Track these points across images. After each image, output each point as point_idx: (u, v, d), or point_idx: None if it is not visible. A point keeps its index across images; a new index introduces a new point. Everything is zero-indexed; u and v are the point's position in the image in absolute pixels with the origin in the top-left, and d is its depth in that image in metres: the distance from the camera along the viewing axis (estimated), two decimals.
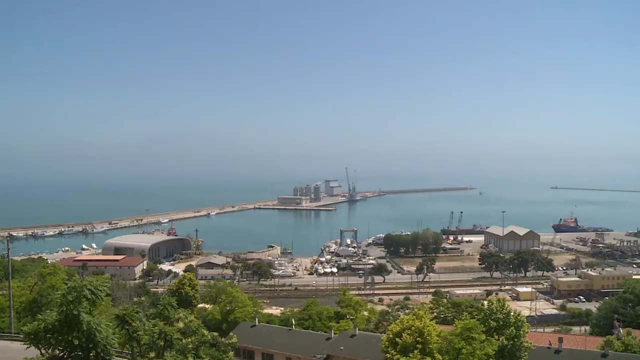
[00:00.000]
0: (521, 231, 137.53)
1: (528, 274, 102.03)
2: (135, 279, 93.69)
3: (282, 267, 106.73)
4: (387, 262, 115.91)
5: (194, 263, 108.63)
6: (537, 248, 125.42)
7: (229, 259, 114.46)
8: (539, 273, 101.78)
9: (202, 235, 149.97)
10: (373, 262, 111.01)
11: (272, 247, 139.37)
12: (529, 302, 75.14)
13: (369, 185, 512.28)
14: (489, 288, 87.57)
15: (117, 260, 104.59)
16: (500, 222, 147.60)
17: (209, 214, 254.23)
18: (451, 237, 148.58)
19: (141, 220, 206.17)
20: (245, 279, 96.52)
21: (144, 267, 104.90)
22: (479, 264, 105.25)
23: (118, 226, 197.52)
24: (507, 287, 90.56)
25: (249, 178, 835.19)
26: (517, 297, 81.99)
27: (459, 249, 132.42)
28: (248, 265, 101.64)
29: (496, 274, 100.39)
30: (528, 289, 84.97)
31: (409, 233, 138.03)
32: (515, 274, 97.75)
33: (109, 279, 35.60)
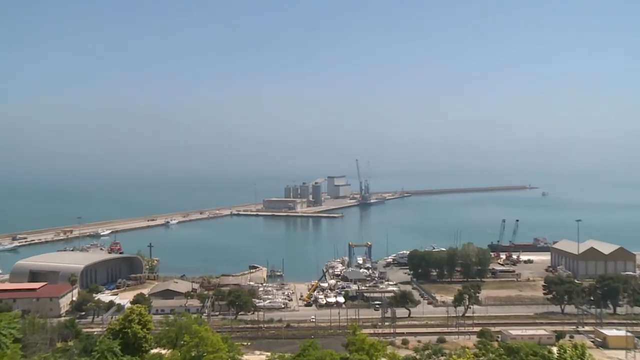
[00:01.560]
0: (606, 248, 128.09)
1: (619, 309, 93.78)
2: (60, 315, 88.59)
3: (270, 296, 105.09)
4: (414, 289, 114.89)
5: (146, 291, 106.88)
6: (632, 273, 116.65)
7: (196, 285, 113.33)
8: (637, 309, 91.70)
9: (158, 253, 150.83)
10: (394, 289, 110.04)
11: (256, 268, 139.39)
12: (623, 351, 68.86)
13: (388, 183, 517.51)
14: (559, 328, 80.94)
15: (34, 290, 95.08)
16: (574, 234, 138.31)
17: (168, 222, 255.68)
18: (503, 256, 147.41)
19: (70, 232, 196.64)
20: (217, 313, 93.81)
21: (74, 299, 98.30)
22: (544, 294, 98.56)
23: (32, 241, 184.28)
24: (587, 328, 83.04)
25: (227, 174, 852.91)
26: (603, 344, 75.22)
27: (514, 271, 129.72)
28: (222, 293, 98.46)
29: (570, 309, 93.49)
30: (620, 332, 77.47)
31: (443, 249, 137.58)
32: (599, 310, 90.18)
33: (19, 318, 32.42)
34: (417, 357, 53.18)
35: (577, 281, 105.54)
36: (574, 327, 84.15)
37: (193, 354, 38.93)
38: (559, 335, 75.84)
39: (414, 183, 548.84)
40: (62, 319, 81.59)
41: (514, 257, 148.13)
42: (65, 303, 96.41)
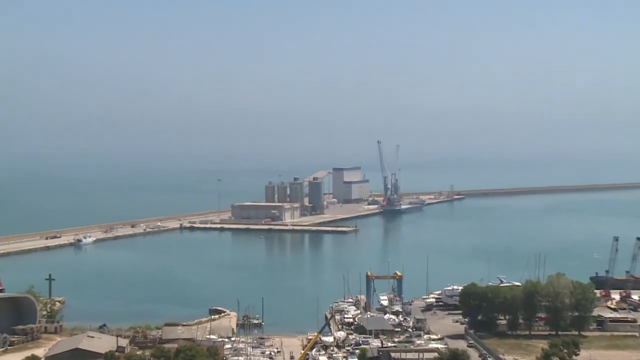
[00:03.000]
0: None
1: None
2: None
3: (243, 357, 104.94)
4: (470, 346, 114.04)
5: (41, 352, 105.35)
6: None
7: (124, 342, 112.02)
8: None
9: (62, 289, 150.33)
10: (438, 346, 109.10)
11: (220, 313, 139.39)
12: None
13: (428, 177, 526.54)
14: None
15: None
16: None
17: (79, 240, 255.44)
18: (616, 295, 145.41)
19: None
20: None
21: None
22: None
23: None
24: None
25: (182, 162, 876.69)
26: None
27: (635, 321, 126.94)
28: (165, 354, 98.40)
29: None
30: None
31: (517, 284, 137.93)
32: None
33: None
34: None
35: None
36: None
37: None
38: None
39: (469, 178, 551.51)
40: None
41: (635, 298, 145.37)
42: None
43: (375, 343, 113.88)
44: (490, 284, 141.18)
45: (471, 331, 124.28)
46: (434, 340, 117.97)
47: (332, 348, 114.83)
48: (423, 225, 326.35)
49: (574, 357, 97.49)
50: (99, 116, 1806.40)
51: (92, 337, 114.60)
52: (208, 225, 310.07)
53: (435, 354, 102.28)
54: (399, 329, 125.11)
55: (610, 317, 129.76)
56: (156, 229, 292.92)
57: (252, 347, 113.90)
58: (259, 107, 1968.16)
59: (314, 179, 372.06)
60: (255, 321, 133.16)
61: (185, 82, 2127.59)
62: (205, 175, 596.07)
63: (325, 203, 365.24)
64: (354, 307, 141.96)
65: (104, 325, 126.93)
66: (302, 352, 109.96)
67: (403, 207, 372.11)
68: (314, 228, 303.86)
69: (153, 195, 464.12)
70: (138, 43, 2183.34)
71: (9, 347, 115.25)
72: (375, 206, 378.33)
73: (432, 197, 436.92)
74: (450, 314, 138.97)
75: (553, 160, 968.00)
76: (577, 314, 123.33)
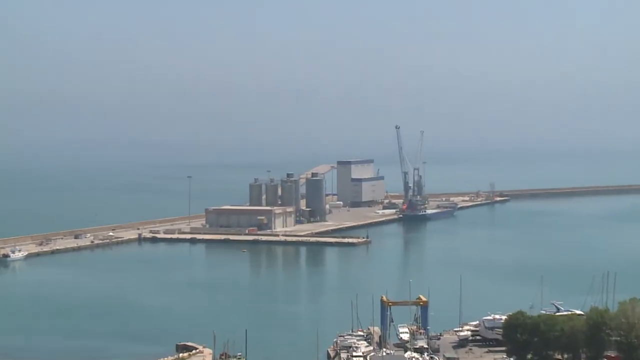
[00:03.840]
0: None
1: None
2: None
3: None
4: None
5: None
6: None
7: None
8: None
9: None
10: None
11: (191, 350, 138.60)
12: None
13: (460, 174, 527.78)
14: None
15: None
16: None
17: (6, 255, 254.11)
18: None
19: None
20: None
21: None
22: None
23: None
24: None
25: (140, 155, 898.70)
26: None
27: None
28: None
29: None
30: None
31: (577, 313, 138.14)
32: None
33: None
34: None
35: None
36: None
37: None
38: None
39: (516, 174, 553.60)
40: None
41: None
42: None
43: None
44: (543, 312, 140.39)
45: None
46: None
47: None
48: (455, 235, 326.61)
49: None
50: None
51: None
52: (175, 236, 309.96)
53: None
54: None
55: None
56: (107, 241, 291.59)
57: None
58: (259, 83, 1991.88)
59: (313, 175, 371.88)
60: (237, 359, 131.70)
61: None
62: (174, 171, 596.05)
63: (327, 207, 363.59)
64: (365, 343, 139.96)
65: None
66: None
67: (429, 211, 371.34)
68: (312, 239, 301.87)
69: (104, 196, 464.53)
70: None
71: None
72: (393, 211, 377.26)
73: (467, 198, 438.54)
74: (490, 351, 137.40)
75: (627, 150, 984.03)
76: None
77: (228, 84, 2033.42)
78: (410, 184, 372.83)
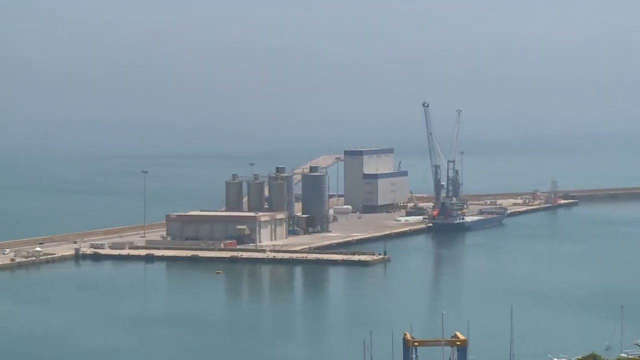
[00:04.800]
0: None
1: None
2: None
3: None
4: None
5: None
6: None
7: None
8: None
9: None
10: None
11: None
12: None
13: (510, 169, 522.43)
14: None
15: None
16: None
17: None
18: None
19: None
20: None
21: None
22: None
23: None
24: None
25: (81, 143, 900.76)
26: None
27: None
28: None
29: None
30: None
31: None
32: None
33: None
34: None
35: None
36: None
37: None
38: None
39: (586, 168, 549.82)
40: None
41: None
42: None
43: None
44: (623, 355, 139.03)
45: None
46: None
47: None
48: (504, 251, 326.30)
49: None
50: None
51: None
52: (125, 252, 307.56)
53: None
54: None
55: None
56: (33, 259, 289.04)
57: None
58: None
59: (312, 169, 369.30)
60: None
61: None
62: (131, 164, 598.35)
63: (331, 212, 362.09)
64: None
65: None
66: None
67: (468, 219, 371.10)
68: (311, 256, 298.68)
69: (31, 197, 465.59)
70: None
71: None
72: (420, 218, 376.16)
73: (520, 201, 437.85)
74: None
75: None
76: None
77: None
78: (443, 182, 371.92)
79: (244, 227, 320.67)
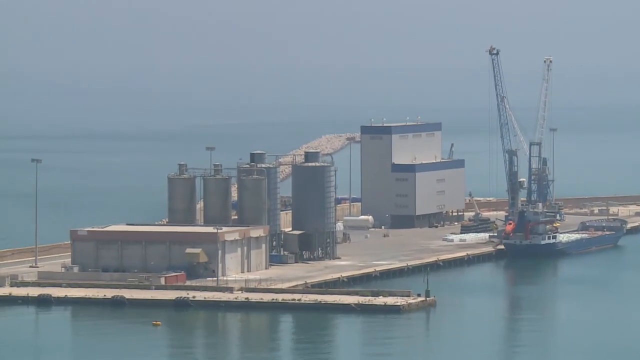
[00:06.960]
0: None
1: None
2: None
3: None
4: None
5: None
6: None
7: None
8: None
9: None
10: None
11: None
12: None
13: (624, 152, 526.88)
14: None
15: None
16: None
17: None
18: None
19: None
20: None
21: None
22: None
23: None
24: None
25: None
26: None
27: None
28: None
29: None
30: None
31: None
32: None
33: None
34: None
35: None
36: None
37: None
38: None
39: None
40: None
41: None
42: None
43: None
44: None
45: None
46: None
47: None
48: (620, 290, 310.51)
49: None
50: None
51: None
52: (7, 292, 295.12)
53: None
54: None
55: None
56: None
57: None
58: None
59: (308, 156, 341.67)
60: None
61: None
62: (8, 151, 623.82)
63: (340, 226, 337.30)
64: None
65: None
66: None
67: (562, 237, 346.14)
68: (307, 299, 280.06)
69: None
70: None
71: None
72: (485, 236, 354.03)
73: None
74: None
75: None
76: None
77: None
78: (523, 178, 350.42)
79: (197, 250, 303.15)
